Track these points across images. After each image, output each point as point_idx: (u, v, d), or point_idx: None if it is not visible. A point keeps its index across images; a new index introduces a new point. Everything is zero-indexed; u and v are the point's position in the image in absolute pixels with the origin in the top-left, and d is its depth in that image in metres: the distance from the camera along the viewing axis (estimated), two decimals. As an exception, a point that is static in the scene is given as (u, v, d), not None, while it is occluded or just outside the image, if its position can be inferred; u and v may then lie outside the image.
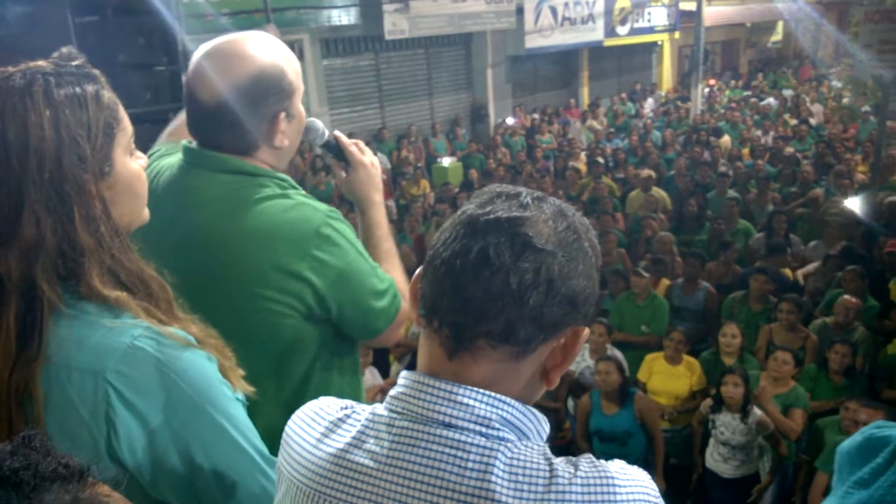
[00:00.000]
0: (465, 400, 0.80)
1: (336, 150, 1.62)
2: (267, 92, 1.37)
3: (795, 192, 7.92)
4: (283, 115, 1.40)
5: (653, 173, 8.38)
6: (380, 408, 0.85)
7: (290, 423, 0.93)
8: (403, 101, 12.85)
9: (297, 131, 1.48)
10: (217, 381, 1.05)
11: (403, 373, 0.85)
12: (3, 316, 0.96)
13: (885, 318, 5.07)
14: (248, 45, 1.38)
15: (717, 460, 4.19)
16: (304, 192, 1.48)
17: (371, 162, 1.62)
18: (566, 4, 14.06)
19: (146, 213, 1.15)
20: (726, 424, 4.08)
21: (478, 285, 0.78)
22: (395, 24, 11.24)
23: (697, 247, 6.46)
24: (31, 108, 0.97)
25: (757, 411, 4.03)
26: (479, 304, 0.78)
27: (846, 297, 4.90)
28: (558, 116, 14.09)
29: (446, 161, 11.25)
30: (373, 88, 12.36)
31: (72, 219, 0.98)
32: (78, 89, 1.00)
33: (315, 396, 1.01)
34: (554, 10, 13.82)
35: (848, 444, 0.82)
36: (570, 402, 4.91)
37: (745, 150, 10.61)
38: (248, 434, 1.08)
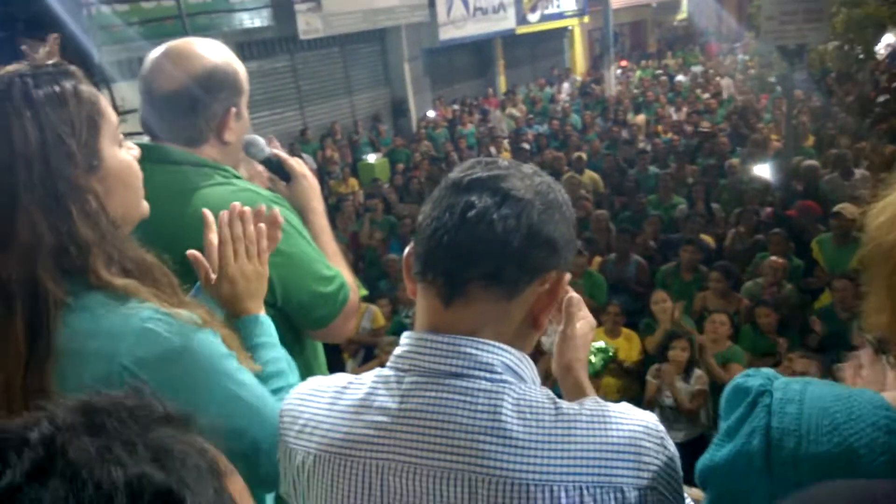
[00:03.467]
0: (467, 349, 0.85)
1: (276, 166, 1.66)
2: (222, 85, 1.44)
3: (713, 164, 8.26)
4: (234, 110, 1.47)
5: (584, 155, 8.59)
6: (383, 370, 0.90)
7: (287, 406, 0.97)
8: (323, 100, 12.68)
9: (242, 132, 1.54)
10: (226, 354, 1.08)
11: (405, 333, 0.90)
12: (11, 319, 0.96)
13: (809, 276, 5.36)
14: (204, 45, 1.48)
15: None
16: (248, 181, 1.53)
17: (310, 174, 1.68)
18: (476, -6, 14.19)
19: (145, 205, 1.16)
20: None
21: (466, 233, 0.84)
22: (308, 24, 11.08)
23: (622, 222, 6.66)
24: (11, 112, 0.97)
25: (697, 371, 4.21)
26: (469, 250, 0.84)
27: (773, 258, 5.16)
28: (478, 106, 14.22)
29: (372, 158, 11.21)
30: (291, 90, 12.15)
31: (69, 216, 0.98)
32: (56, 87, 1.00)
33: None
34: (465, 1, 13.90)
35: (724, 392, 0.86)
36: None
37: (660, 127, 10.97)
38: (264, 399, 1.11)
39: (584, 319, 1.19)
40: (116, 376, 0.96)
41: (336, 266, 1.57)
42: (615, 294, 5.57)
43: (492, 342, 0.86)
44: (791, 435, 0.70)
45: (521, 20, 15.56)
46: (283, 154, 1.68)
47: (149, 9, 8.40)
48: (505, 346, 0.87)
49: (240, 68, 1.50)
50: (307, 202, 1.65)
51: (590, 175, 8.36)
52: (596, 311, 5.00)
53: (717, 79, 14.66)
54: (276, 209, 1.35)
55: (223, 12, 9.76)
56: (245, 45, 11.00)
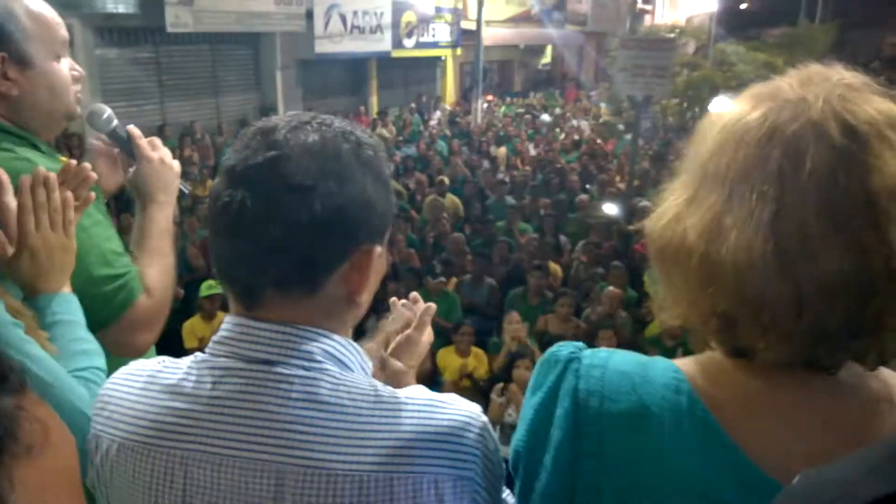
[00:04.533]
0: (284, 337, 0.80)
1: (124, 142, 1.51)
2: None
3: (564, 199, 8.79)
4: (2, 56, 1.28)
5: (446, 179, 8.86)
6: (201, 354, 0.84)
7: (103, 390, 0.88)
8: (187, 97, 12.20)
9: (47, 85, 1.35)
10: (9, 322, 0.98)
11: (226, 317, 0.84)
12: None
13: (641, 307, 5.84)
14: None
15: (505, 445, 4.57)
16: (45, 151, 1.38)
17: (161, 159, 1.50)
18: (355, 13, 14.29)
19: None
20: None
21: (246, 241, 0.78)
22: (177, 17, 10.68)
23: (477, 247, 6.96)
24: None
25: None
26: (252, 258, 0.78)
27: (611, 289, 5.59)
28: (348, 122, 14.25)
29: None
30: (153, 83, 11.60)
31: None
32: None
33: None
34: (343, 18, 13.97)
35: (538, 362, 0.86)
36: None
37: (518, 160, 11.55)
38: (59, 376, 1.01)
39: (430, 333, 1.16)
40: None
41: (147, 264, 1.39)
42: (468, 315, 5.80)
43: (312, 328, 0.81)
44: (595, 395, 0.76)
45: (397, 44, 15.84)
46: (136, 130, 1.52)
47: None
48: (325, 332, 0.82)
49: (20, 10, 1.30)
50: (151, 191, 1.47)
51: (451, 199, 8.63)
52: (450, 331, 5.23)
53: (574, 121, 15.63)
54: (88, 165, 1.20)
55: (84, -8, 9.24)
56: (105, 29, 10.43)
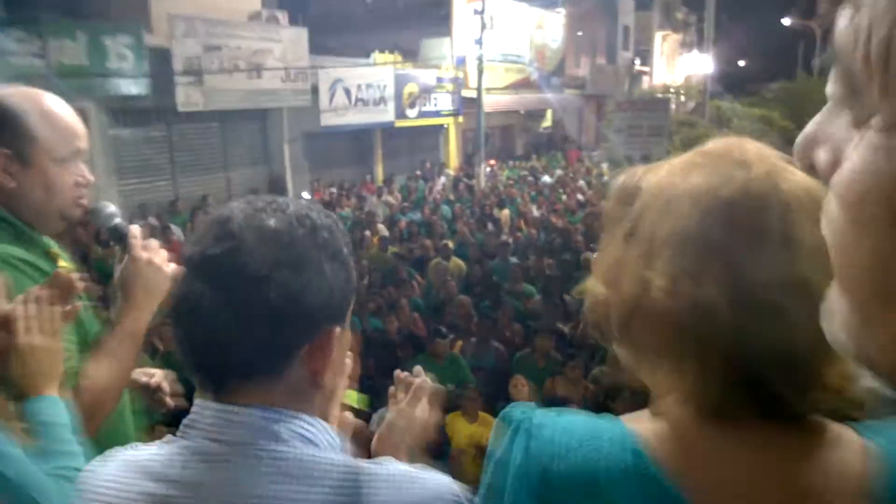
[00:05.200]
0: (250, 419, 0.81)
1: (119, 237, 1.55)
2: None
3: (569, 259, 8.88)
4: (5, 152, 1.38)
5: (451, 243, 8.99)
6: (173, 437, 0.85)
7: (82, 475, 0.89)
8: (198, 172, 12.54)
9: (42, 185, 1.44)
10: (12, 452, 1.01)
11: (196, 401, 0.85)
12: None
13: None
14: (9, 90, 1.43)
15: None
16: (44, 243, 1.48)
17: (150, 260, 1.51)
18: (359, 87, 14.75)
19: None
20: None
21: (202, 332, 0.79)
22: (188, 97, 11.09)
23: (483, 310, 7.02)
24: None
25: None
26: (212, 349, 0.80)
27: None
28: (355, 191, 14.54)
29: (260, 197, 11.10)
30: (165, 160, 11.96)
31: None
32: None
33: None
34: (347, 92, 14.42)
35: (494, 425, 0.86)
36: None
37: (522, 222, 11.69)
38: (33, 477, 1.04)
39: (425, 408, 1.14)
40: None
41: (97, 362, 1.41)
42: (475, 377, 5.81)
43: (277, 410, 0.82)
44: (545, 454, 0.76)
45: (400, 114, 16.27)
46: (135, 231, 1.56)
47: (20, 65, 8.18)
48: (291, 413, 0.82)
49: (35, 116, 1.42)
50: (131, 289, 1.49)
51: (455, 262, 8.74)
52: (458, 395, 5.24)
53: (576, 182, 15.86)
54: (76, 274, 1.28)
55: (98, 76, 9.61)
56: (119, 111, 10.81)
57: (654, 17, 33.06)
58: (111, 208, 1.59)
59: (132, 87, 10.22)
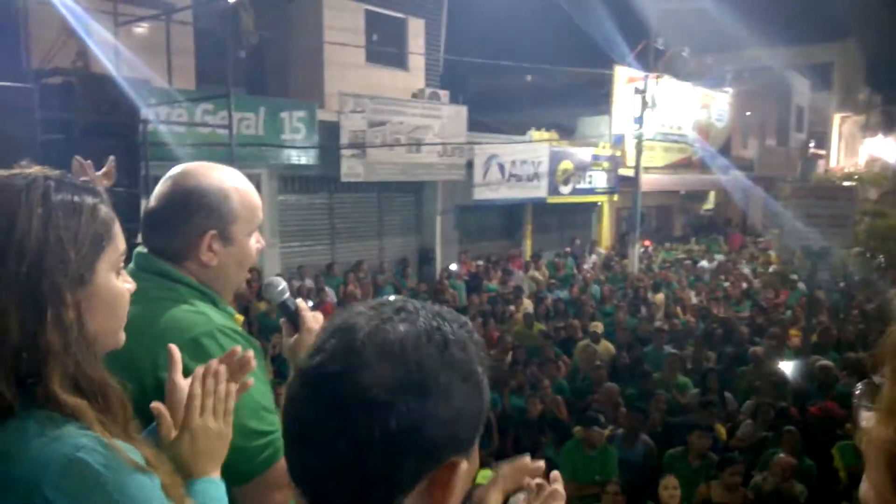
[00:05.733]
0: None
1: (291, 312, 1.62)
2: (198, 207, 1.47)
3: (731, 351, 8.20)
4: (212, 233, 1.47)
5: (600, 326, 8.60)
6: None
7: None
8: (354, 239, 13.08)
9: (237, 259, 1.54)
10: (160, 500, 0.98)
11: None
12: None
13: (823, 479, 5.16)
14: (204, 168, 1.52)
15: None
16: (229, 311, 1.54)
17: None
18: (513, 162, 14.89)
19: (122, 336, 1.12)
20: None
21: (314, 455, 0.73)
22: (350, 168, 11.67)
23: (629, 398, 6.54)
24: (23, 204, 0.96)
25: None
26: (321, 475, 0.73)
27: (782, 456, 4.99)
28: (502, 264, 14.50)
29: (392, 298, 11.30)
30: (325, 225, 12.60)
31: (42, 319, 0.95)
32: (77, 198, 1.02)
33: None
34: (502, 167, 14.59)
35: None
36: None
37: (678, 308, 11.04)
38: None
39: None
40: None
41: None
42: (620, 473, 5.38)
43: None
44: None
45: (553, 191, 16.20)
46: (303, 304, 1.65)
47: (205, 134, 8.95)
48: None
49: (236, 195, 1.51)
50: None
51: (605, 345, 8.33)
52: (598, 491, 4.85)
53: (740, 269, 14.87)
54: (251, 352, 1.27)
55: (273, 146, 10.35)
56: (288, 178, 11.57)
57: (833, 98, 31.18)
58: (283, 284, 1.65)
59: (302, 157, 10.92)
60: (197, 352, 1.32)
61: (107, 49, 7.38)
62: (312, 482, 0.74)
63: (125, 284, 1.10)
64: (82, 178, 1.08)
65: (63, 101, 5.33)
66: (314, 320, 1.60)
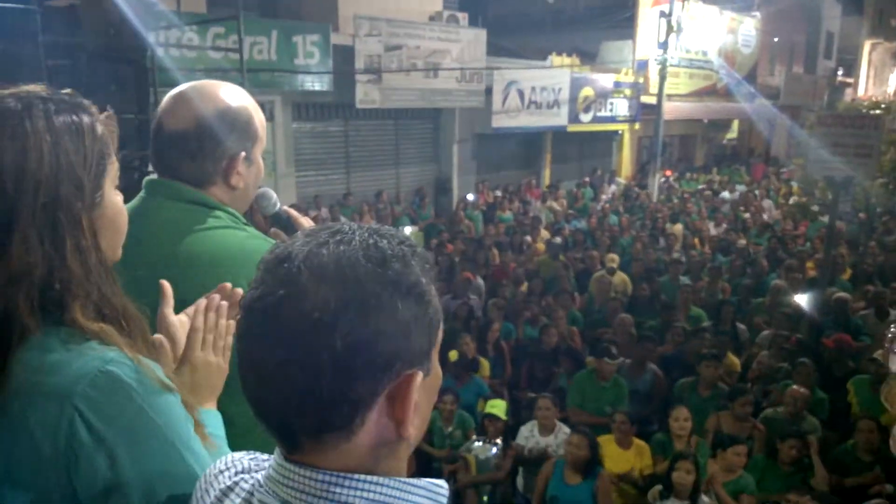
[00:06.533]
0: (319, 485, 0.74)
1: (285, 222, 1.63)
2: (232, 127, 1.44)
3: (748, 283, 8.13)
4: (243, 154, 1.46)
5: (616, 258, 8.54)
6: (260, 490, 0.80)
7: (197, 484, 0.90)
8: (370, 168, 12.98)
9: (254, 179, 1.53)
10: (184, 418, 1.00)
11: (275, 453, 0.80)
12: None
13: (835, 413, 5.18)
14: (221, 87, 1.48)
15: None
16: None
17: None
18: (533, 89, 14.57)
19: (119, 251, 1.11)
20: (675, 510, 4.05)
21: (270, 387, 0.72)
22: (366, 94, 11.46)
23: (648, 330, 6.53)
24: (31, 133, 0.94)
25: (705, 498, 4.03)
26: (279, 405, 0.73)
27: (795, 387, 4.99)
28: (519, 195, 14.38)
29: (408, 230, 11.31)
30: (340, 154, 12.48)
31: (63, 247, 0.94)
32: (76, 117, 0.99)
33: (238, 441, 0.97)
34: (521, 93, 14.29)
35: None
36: (520, 479, 4.86)
37: (696, 240, 10.93)
38: (205, 466, 1.03)
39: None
40: (67, 419, 0.89)
41: None
42: (629, 403, 5.42)
43: (351, 476, 0.73)
44: None
45: (574, 119, 15.89)
46: (293, 212, 1.65)
47: (216, 59, 8.79)
48: (368, 479, 0.74)
49: (256, 115, 1.50)
50: None
51: (621, 277, 8.29)
52: (608, 421, 4.90)
53: (761, 200, 14.65)
54: (239, 290, 1.26)
55: (286, 72, 10.16)
56: (302, 105, 11.40)
57: (864, 24, 29.96)
58: (274, 196, 1.65)
59: (316, 83, 10.71)
60: None
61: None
62: (274, 414, 0.74)
63: (119, 197, 1.09)
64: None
65: (68, 25, 5.22)
66: (309, 224, 1.62)
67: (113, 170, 1.06)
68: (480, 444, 4.86)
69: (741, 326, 6.85)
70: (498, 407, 5.00)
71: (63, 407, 0.89)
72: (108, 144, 1.04)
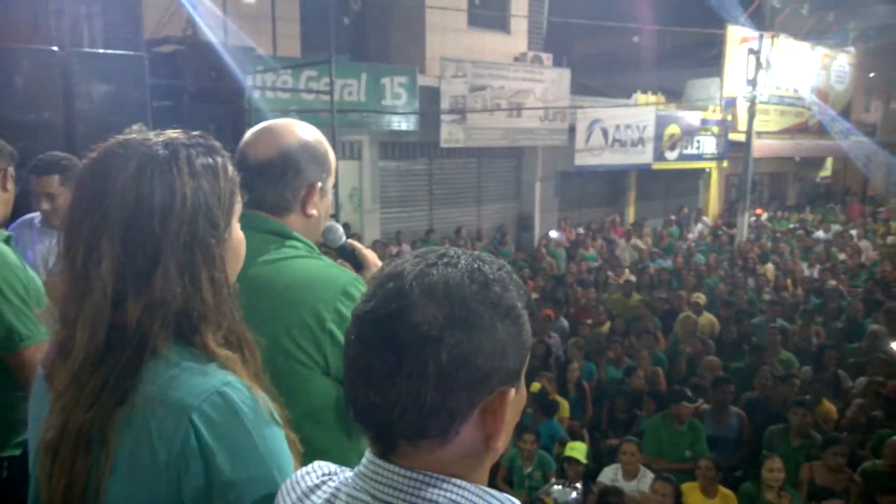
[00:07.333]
0: (410, 483, 0.79)
1: (350, 254, 1.71)
2: (312, 158, 1.54)
3: (841, 327, 7.76)
4: (319, 185, 1.55)
5: (703, 297, 8.32)
6: (348, 486, 0.86)
7: (282, 486, 0.96)
8: (453, 205, 13.18)
9: (325, 211, 1.61)
10: (288, 456, 1.06)
11: (366, 453, 0.86)
12: (100, 368, 0.99)
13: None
14: (297, 124, 1.59)
15: None
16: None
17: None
18: (617, 127, 14.48)
19: (235, 277, 1.20)
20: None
21: (375, 393, 0.78)
22: (450, 134, 11.69)
23: (733, 374, 6.32)
24: (177, 176, 1.03)
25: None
26: (382, 411, 0.78)
27: (894, 438, 4.72)
28: (602, 232, 14.22)
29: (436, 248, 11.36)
30: (424, 192, 12.74)
31: (199, 280, 1.04)
32: (211, 160, 1.09)
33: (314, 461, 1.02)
34: (605, 132, 14.23)
35: None
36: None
37: (788, 281, 10.51)
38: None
39: None
40: (183, 431, 0.97)
41: None
42: (711, 449, 5.25)
43: (439, 476, 0.80)
44: None
45: (659, 156, 15.67)
46: (358, 244, 1.74)
47: (308, 100, 9.20)
48: (454, 481, 0.80)
49: (329, 150, 1.60)
50: None
51: (707, 318, 8.07)
52: (691, 467, 4.76)
53: (857, 241, 13.96)
54: None
55: (373, 113, 10.51)
56: (388, 144, 11.75)
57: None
58: (341, 229, 1.73)
59: (402, 123, 11.03)
60: (349, 300, 1.41)
61: (214, 19, 7.68)
62: (376, 416, 0.80)
63: (238, 227, 1.17)
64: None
65: (172, 69, 5.61)
66: (373, 256, 1.72)
67: (238, 205, 1.15)
68: (560, 487, 4.79)
69: (842, 373, 6.53)
70: (578, 450, 4.93)
71: (181, 418, 0.97)
72: (237, 183, 1.14)
